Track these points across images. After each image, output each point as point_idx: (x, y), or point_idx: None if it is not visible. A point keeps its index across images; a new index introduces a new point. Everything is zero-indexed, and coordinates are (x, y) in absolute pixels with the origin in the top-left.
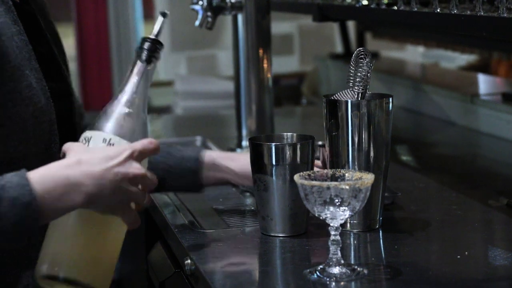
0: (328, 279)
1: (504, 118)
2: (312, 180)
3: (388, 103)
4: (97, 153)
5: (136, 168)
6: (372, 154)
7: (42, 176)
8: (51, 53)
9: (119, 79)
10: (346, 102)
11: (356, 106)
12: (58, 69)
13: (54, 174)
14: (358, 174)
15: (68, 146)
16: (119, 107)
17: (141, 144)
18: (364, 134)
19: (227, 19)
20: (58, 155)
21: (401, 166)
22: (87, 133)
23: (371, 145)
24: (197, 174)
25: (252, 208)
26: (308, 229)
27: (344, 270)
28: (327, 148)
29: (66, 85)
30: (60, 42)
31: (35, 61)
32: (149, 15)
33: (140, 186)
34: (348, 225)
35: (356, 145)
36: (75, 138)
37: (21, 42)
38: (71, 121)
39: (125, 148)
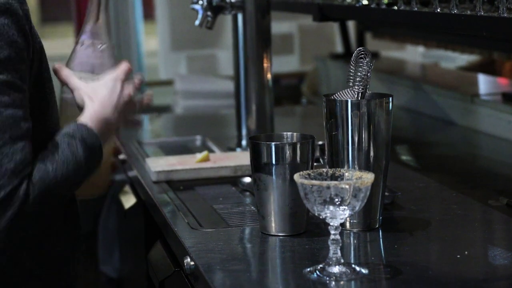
0: (328, 278)
1: (504, 118)
2: (312, 179)
3: (388, 102)
4: (101, 90)
5: (127, 89)
6: (372, 153)
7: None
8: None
9: None
10: (346, 101)
11: (356, 105)
12: None
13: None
14: (358, 174)
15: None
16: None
17: (121, 70)
18: (364, 133)
19: (227, 18)
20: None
21: (401, 165)
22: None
23: (371, 144)
24: None
25: (252, 207)
26: (308, 228)
27: (344, 269)
28: (326, 148)
29: None
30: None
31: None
32: (149, 15)
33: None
34: (348, 224)
35: (356, 145)
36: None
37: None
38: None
39: (115, 78)
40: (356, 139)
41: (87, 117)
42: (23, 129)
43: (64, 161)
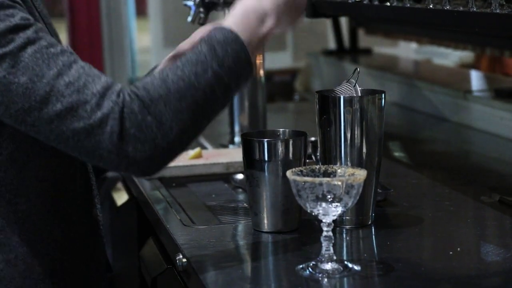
0: (320, 275)
1: (496, 114)
2: (305, 176)
3: (381, 99)
4: None
5: None
6: (364, 150)
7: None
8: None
9: (111, 75)
10: (339, 98)
11: (348, 102)
12: None
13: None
14: (350, 170)
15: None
16: None
17: None
18: (356, 130)
19: (220, 15)
20: None
21: (394, 162)
22: None
23: (364, 141)
24: None
25: (245, 204)
26: (300, 225)
27: (336, 266)
28: (319, 144)
29: None
30: (52, 25)
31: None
32: (141, 12)
33: None
34: (341, 221)
35: (348, 141)
36: None
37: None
38: None
39: None
40: (348, 135)
41: (233, 15)
42: (63, 54)
43: (180, 64)
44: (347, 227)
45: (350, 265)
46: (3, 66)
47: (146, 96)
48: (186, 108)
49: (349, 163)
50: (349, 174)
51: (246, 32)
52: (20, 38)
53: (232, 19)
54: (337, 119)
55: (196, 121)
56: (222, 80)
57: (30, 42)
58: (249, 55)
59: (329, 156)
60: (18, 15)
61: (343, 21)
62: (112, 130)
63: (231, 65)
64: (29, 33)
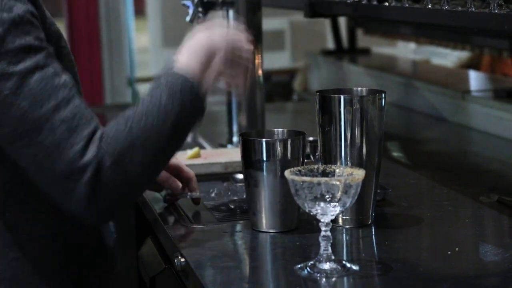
0: (318, 275)
1: (495, 114)
2: (303, 175)
3: (381, 99)
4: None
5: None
6: (364, 150)
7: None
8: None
9: (110, 74)
10: (339, 98)
11: (348, 102)
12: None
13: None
14: (349, 170)
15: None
16: None
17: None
18: (356, 130)
19: (218, 15)
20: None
21: (392, 162)
22: None
23: (364, 141)
24: None
25: (243, 204)
26: (299, 224)
27: (334, 266)
28: (319, 144)
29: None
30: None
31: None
32: (140, 12)
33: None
34: (340, 220)
35: (348, 141)
36: None
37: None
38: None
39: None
40: (348, 135)
41: (183, 54)
42: (65, 87)
43: (143, 112)
44: (347, 226)
45: (348, 265)
46: (8, 84)
47: (115, 150)
48: (149, 160)
49: (349, 163)
50: (348, 174)
51: (198, 71)
52: (31, 60)
53: (185, 58)
54: (337, 119)
55: (158, 166)
56: (180, 128)
57: (39, 67)
58: (203, 103)
59: (329, 156)
60: (34, 34)
61: (342, 21)
62: (88, 180)
63: (188, 116)
64: (40, 57)
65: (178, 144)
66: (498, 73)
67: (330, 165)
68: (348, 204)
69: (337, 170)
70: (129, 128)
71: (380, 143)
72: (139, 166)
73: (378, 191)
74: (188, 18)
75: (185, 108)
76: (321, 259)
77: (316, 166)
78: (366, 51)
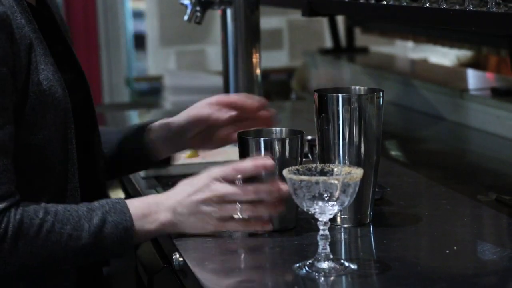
0: (317, 274)
1: (493, 113)
2: (301, 175)
3: (379, 97)
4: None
5: (213, 190)
6: (363, 149)
7: (136, 208)
8: (67, 49)
9: (108, 74)
10: (337, 96)
11: (347, 100)
12: (73, 62)
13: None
14: (347, 169)
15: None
16: None
17: (220, 170)
18: (355, 129)
19: (216, 13)
20: (73, 141)
21: (390, 161)
22: None
23: (362, 140)
24: (145, 130)
25: None
26: (297, 224)
27: (333, 265)
28: (317, 143)
29: (81, 76)
30: (70, 36)
31: (50, 57)
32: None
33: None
34: (339, 219)
35: (346, 140)
36: (90, 126)
37: (36, 40)
38: (87, 109)
39: (204, 175)
40: (346, 134)
41: (139, 200)
42: None
43: (64, 222)
44: (345, 225)
45: (346, 263)
46: None
47: (18, 234)
48: (45, 262)
49: (347, 162)
50: (346, 173)
51: (139, 221)
52: None
53: (137, 209)
54: (335, 118)
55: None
56: (86, 257)
57: None
58: (125, 251)
59: (327, 155)
60: None
61: (340, 20)
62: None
63: (101, 254)
64: None
65: (76, 264)
66: (504, 73)
67: (328, 164)
68: (346, 203)
69: (335, 169)
70: (43, 229)
71: (378, 142)
72: (33, 258)
73: (376, 190)
74: (186, 17)
75: (103, 246)
76: (320, 258)
77: (314, 165)
78: (364, 50)
